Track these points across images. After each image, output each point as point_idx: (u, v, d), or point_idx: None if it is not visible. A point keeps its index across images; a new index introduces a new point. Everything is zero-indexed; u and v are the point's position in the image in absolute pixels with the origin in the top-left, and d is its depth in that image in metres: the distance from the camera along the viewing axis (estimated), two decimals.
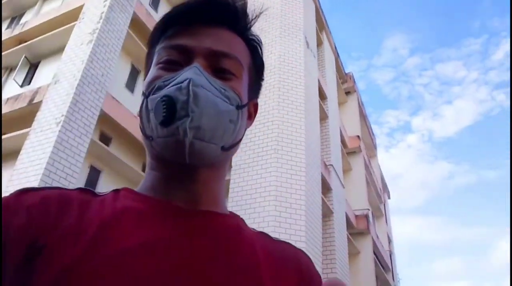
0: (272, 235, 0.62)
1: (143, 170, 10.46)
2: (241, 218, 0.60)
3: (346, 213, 12.66)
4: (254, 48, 0.63)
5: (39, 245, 0.45)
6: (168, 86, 0.52)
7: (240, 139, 0.59)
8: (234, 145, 0.57)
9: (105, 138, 9.76)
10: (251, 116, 0.64)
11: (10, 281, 0.44)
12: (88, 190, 0.55)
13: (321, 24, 14.79)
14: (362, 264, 13.46)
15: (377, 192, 20.20)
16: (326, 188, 11.32)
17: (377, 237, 16.58)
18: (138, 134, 9.99)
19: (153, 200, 0.54)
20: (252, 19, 0.62)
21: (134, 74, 11.15)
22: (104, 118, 9.06)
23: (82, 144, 7.92)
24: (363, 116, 19.54)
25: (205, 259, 0.49)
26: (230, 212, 0.60)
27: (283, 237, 4.11)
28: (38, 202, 0.49)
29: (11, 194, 0.50)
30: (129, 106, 9.96)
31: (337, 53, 16.87)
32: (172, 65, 0.56)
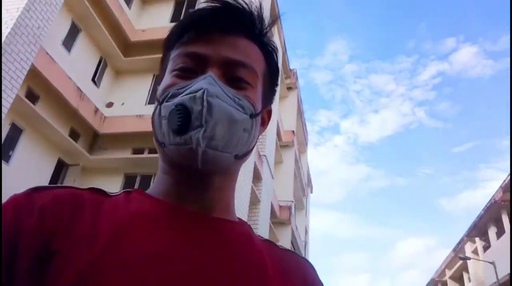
0: None
1: (71, 136, 9.90)
2: (249, 225, 0.62)
3: (272, 203, 13.08)
4: (269, 53, 0.63)
5: (52, 249, 0.45)
6: (182, 95, 0.52)
7: (253, 147, 0.59)
8: (248, 153, 0.58)
9: (32, 96, 9.04)
10: (264, 122, 0.65)
11: (21, 282, 0.44)
12: (100, 190, 0.55)
13: (274, 16, 14.85)
14: None
15: (302, 185, 21.08)
16: (257, 177, 11.59)
17: (296, 228, 17.35)
18: (70, 97, 9.40)
19: (167, 204, 0.54)
20: (268, 25, 0.62)
21: (73, 32, 10.39)
22: (34, 75, 8.38)
23: (6, 98, 7.25)
24: (300, 113, 20.20)
25: (217, 267, 0.49)
26: (239, 218, 0.61)
27: None
28: (50, 202, 0.48)
29: (23, 192, 0.50)
30: (64, 65, 9.30)
31: (285, 48, 17.14)
32: (187, 73, 0.56)
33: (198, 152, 0.50)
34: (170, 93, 0.54)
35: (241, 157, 0.56)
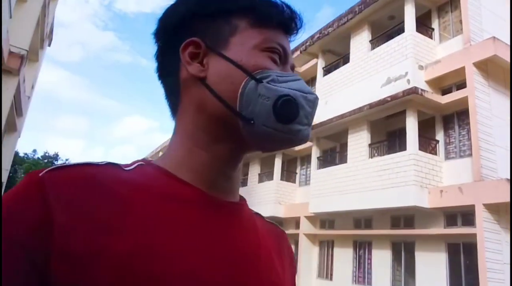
0: None
1: None
2: (245, 199, 0.65)
3: (1, 45, 10.50)
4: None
5: (71, 246, 0.43)
6: (286, 86, 0.55)
7: None
8: None
9: None
10: None
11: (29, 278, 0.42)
12: (116, 164, 0.53)
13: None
14: None
15: (43, 35, 17.90)
16: None
17: (24, 80, 14.89)
18: None
19: (198, 194, 0.54)
20: (299, 28, 0.63)
21: None
22: None
23: None
24: None
25: (249, 256, 0.54)
26: (240, 196, 0.63)
27: None
28: (66, 189, 0.46)
29: (40, 174, 0.47)
30: None
31: None
32: (276, 59, 0.58)
33: (294, 144, 0.56)
34: (271, 76, 0.55)
35: None
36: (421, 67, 10.60)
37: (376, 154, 11.36)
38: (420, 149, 9.91)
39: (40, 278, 0.42)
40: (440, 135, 10.46)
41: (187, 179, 0.54)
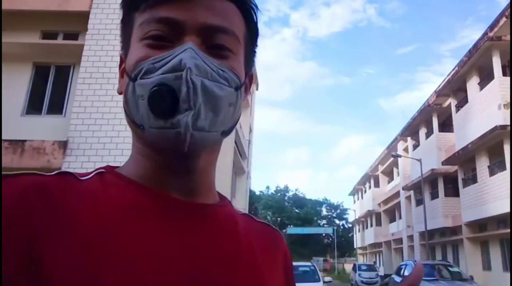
0: None
1: None
2: (229, 201, 0.62)
3: None
4: (248, 12, 0.58)
5: (33, 258, 0.41)
6: (161, 71, 0.48)
7: (239, 117, 0.58)
8: (234, 126, 0.56)
9: None
10: (247, 88, 0.61)
11: None
12: (69, 173, 0.50)
13: None
14: (222, 152, 14.18)
15: None
16: None
17: (240, 126, 17.37)
18: None
19: (153, 192, 0.52)
20: None
21: None
22: None
23: None
24: None
25: (212, 257, 0.50)
26: (219, 195, 0.61)
27: None
28: (19, 200, 0.44)
29: None
30: None
31: None
32: (159, 42, 0.51)
33: (186, 136, 0.48)
34: (144, 68, 0.50)
35: (228, 132, 0.55)
36: None
37: None
38: None
39: None
40: None
41: (146, 184, 0.52)
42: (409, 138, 25.60)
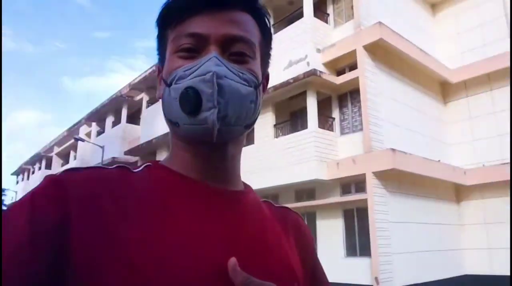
0: None
1: None
2: (251, 188, 0.69)
3: None
4: (262, 21, 0.66)
5: (89, 236, 0.49)
6: (190, 77, 0.56)
7: (259, 113, 0.65)
8: (255, 120, 0.63)
9: None
10: (264, 87, 0.69)
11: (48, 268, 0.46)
12: (124, 166, 0.59)
13: None
14: None
15: None
16: None
17: None
18: None
19: (194, 182, 0.60)
20: None
21: None
22: None
23: None
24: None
25: (247, 238, 0.59)
26: (244, 184, 0.68)
27: None
28: (83, 186, 0.52)
29: (57, 175, 0.53)
30: None
31: None
32: (189, 53, 0.59)
33: (214, 130, 0.55)
34: (177, 76, 0.58)
35: (250, 126, 0.63)
36: (318, 51, 11.57)
37: (281, 134, 12.13)
38: (319, 127, 10.92)
39: (60, 266, 0.47)
40: (336, 113, 11.60)
41: (185, 173, 0.60)
42: (94, 124, 25.52)
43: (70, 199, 0.50)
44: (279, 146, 11.45)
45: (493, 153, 11.21)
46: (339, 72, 11.64)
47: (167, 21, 0.63)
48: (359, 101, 10.72)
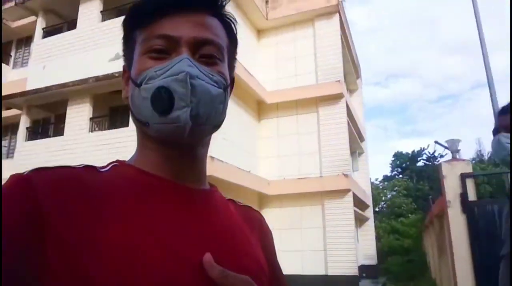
0: None
1: None
2: (216, 187, 0.72)
3: None
4: (229, 26, 0.68)
5: (55, 234, 0.48)
6: (162, 77, 0.57)
7: (225, 115, 0.66)
8: (222, 122, 0.65)
9: None
10: (231, 90, 0.70)
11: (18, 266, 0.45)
12: (91, 166, 0.59)
13: None
14: None
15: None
16: None
17: None
18: None
19: (165, 180, 0.61)
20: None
21: None
22: None
23: None
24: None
25: (221, 234, 0.61)
26: (209, 184, 0.70)
27: None
28: (51, 184, 0.51)
29: (25, 173, 0.52)
30: None
31: None
32: (159, 54, 0.60)
33: (186, 129, 0.57)
34: (148, 76, 0.59)
35: (218, 127, 0.65)
36: None
37: (97, 128, 11.27)
38: None
39: (39, 266, 0.46)
40: None
41: (157, 174, 0.61)
42: None
43: (40, 197, 0.49)
44: (94, 141, 10.60)
45: (293, 168, 12.83)
46: None
47: (135, 22, 0.64)
48: None
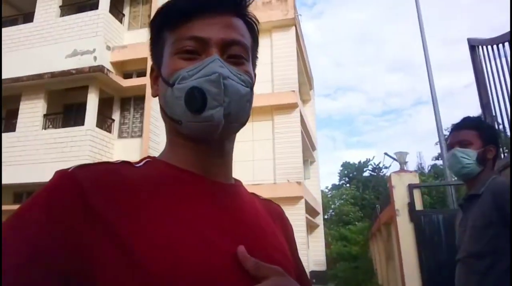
0: None
1: None
2: (241, 182, 0.74)
3: None
4: (252, 27, 0.71)
5: (106, 228, 0.50)
6: (194, 77, 0.60)
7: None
8: (248, 119, 0.67)
9: None
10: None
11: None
12: (127, 161, 0.62)
13: None
14: None
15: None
16: None
17: None
18: None
19: (196, 176, 0.63)
20: (249, 0, 0.69)
21: None
22: None
23: None
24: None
25: (251, 227, 0.63)
26: (234, 179, 0.72)
27: None
28: (94, 180, 0.54)
29: (69, 170, 0.55)
30: None
31: None
32: (190, 55, 0.63)
33: (219, 126, 0.60)
34: (180, 76, 0.61)
35: (245, 124, 0.67)
36: (108, 48, 11.32)
37: (50, 126, 11.07)
38: (97, 126, 10.54)
39: (94, 258, 0.49)
40: (116, 115, 11.47)
41: (187, 168, 0.63)
42: None
43: (86, 192, 0.52)
44: (47, 139, 10.42)
45: (248, 174, 12.49)
46: (126, 75, 11.62)
47: (164, 24, 0.66)
48: (142, 108, 10.97)
